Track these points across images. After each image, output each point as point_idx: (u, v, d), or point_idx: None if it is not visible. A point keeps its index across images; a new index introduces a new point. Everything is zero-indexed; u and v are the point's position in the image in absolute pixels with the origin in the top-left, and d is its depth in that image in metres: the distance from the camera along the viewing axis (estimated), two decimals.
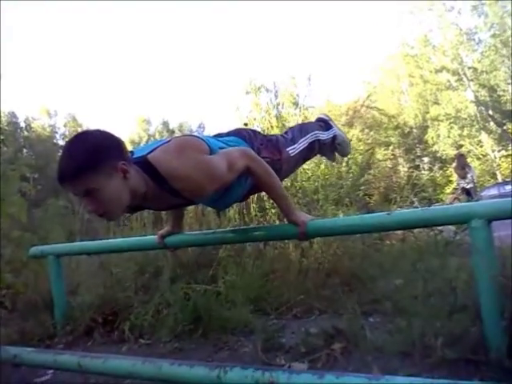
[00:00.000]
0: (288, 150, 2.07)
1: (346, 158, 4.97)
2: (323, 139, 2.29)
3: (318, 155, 2.57)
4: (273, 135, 2.23)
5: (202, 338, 2.51)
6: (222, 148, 1.73)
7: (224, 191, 1.76)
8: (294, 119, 5.39)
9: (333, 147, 2.42)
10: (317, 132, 2.26)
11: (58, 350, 2.43)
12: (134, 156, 1.58)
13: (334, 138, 2.37)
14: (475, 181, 8.78)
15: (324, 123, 2.39)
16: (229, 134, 2.01)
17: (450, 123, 21.94)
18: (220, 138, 1.89)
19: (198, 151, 1.59)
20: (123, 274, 3.30)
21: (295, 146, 2.12)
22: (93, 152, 1.41)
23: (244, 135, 1.98)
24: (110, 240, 2.82)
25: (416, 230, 3.05)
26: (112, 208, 1.49)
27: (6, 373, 2.26)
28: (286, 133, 2.23)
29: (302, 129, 2.27)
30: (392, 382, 1.13)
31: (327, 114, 2.52)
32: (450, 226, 3.13)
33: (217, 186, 1.63)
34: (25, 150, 27.57)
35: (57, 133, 35.02)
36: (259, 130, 4.79)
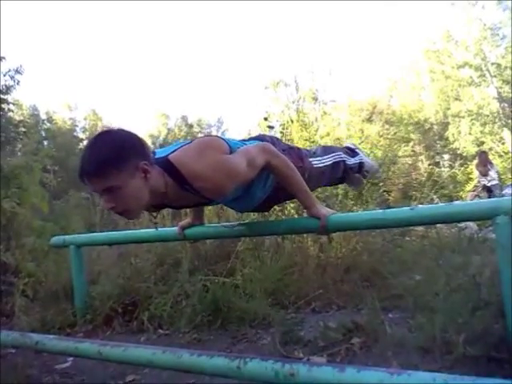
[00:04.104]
0: (310, 160, 2.06)
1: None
2: (349, 163, 2.27)
3: (345, 184, 2.58)
4: (295, 146, 2.22)
5: (220, 329, 2.53)
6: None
7: (245, 190, 1.76)
8: (313, 114, 5.37)
9: (361, 174, 2.41)
10: (341, 153, 2.25)
11: (79, 338, 2.46)
12: (156, 156, 1.59)
13: (362, 164, 2.36)
14: (497, 178, 8.62)
15: (350, 151, 2.39)
16: (251, 139, 2.01)
17: (472, 120, 21.58)
18: (243, 141, 1.89)
19: (218, 151, 1.59)
20: (143, 264, 3.33)
21: (318, 159, 2.11)
22: (116, 150, 1.42)
23: (267, 140, 1.97)
24: (130, 231, 2.84)
25: (438, 227, 3.02)
26: (131, 206, 1.50)
27: (28, 359, 2.30)
28: (308, 150, 2.23)
29: (326, 148, 2.28)
30: (413, 377, 1.11)
31: (354, 143, 2.52)
32: (471, 224, 3.09)
33: (237, 184, 1.63)
34: (45, 142, 27.85)
35: (77, 126, 35.26)
36: (278, 124, 4.80)
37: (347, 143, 2.53)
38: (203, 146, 1.62)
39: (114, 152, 1.42)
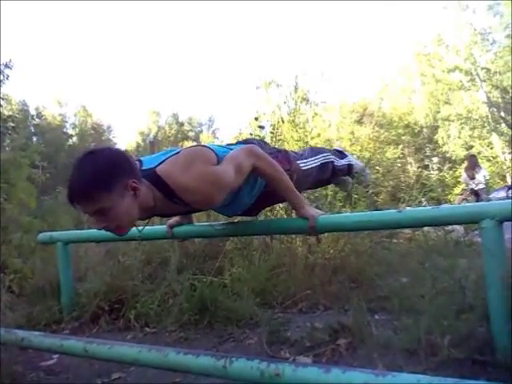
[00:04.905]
0: (298, 162, 2.07)
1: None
2: (338, 165, 2.30)
3: (333, 185, 2.58)
4: (282, 148, 2.22)
5: (207, 328, 2.53)
6: None
7: (234, 196, 1.76)
8: (304, 115, 5.38)
9: (351, 175, 2.43)
10: (329, 155, 2.27)
11: (65, 335, 2.45)
12: (143, 168, 1.59)
13: (351, 167, 2.37)
14: (484, 182, 8.70)
15: (339, 153, 2.41)
16: (238, 143, 2.02)
17: (461, 124, 21.76)
18: (229, 146, 1.89)
19: (205, 162, 1.59)
20: (130, 262, 3.31)
21: (306, 161, 2.12)
22: (103, 172, 1.42)
23: (254, 144, 1.97)
24: None
25: (425, 230, 3.03)
26: (122, 224, 1.52)
27: (12, 355, 2.28)
28: (296, 152, 2.24)
29: (313, 150, 2.29)
30: (398, 379, 1.12)
31: (342, 147, 2.53)
32: (458, 227, 3.11)
33: (226, 193, 1.63)
34: (34, 138, 27.67)
35: (67, 122, 35.08)
36: (269, 124, 4.80)
37: (336, 147, 2.54)
38: (190, 158, 1.61)
39: (101, 174, 1.42)
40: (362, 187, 3.95)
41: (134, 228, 1.66)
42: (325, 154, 2.24)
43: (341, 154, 2.40)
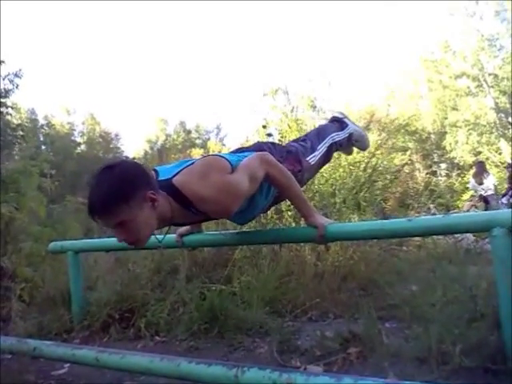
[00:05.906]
0: (308, 159, 2.08)
1: (363, 164, 4.96)
2: (340, 140, 2.29)
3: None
4: (292, 145, 2.19)
5: (217, 337, 2.52)
6: None
7: (248, 204, 1.78)
8: (311, 122, 5.38)
9: (350, 143, 2.42)
10: (333, 135, 2.26)
11: (76, 345, 2.46)
12: (159, 178, 1.61)
13: (351, 135, 2.36)
14: (493, 188, 8.67)
15: (339, 122, 2.39)
16: (249, 148, 2.03)
17: (469, 130, 21.65)
18: (241, 154, 1.90)
19: (220, 172, 1.61)
20: (140, 271, 3.33)
21: (315, 153, 2.12)
22: (122, 186, 1.45)
23: (264, 149, 1.98)
24: None
25: (435, 237, 3.02)
26: (141, 236, 1.54)
27: (24, 365, 2.30)
28: (303, 140, 2.21)
29: (319, 134, 2.27)
30: None
31: (341, 112, 2.50)
32: (469, 235, 3.11)
33: (242, 201, 1.66)
34: (43, 147, 27.84)
35: (75, 130, 35.21)
36: (277, 132, 4.81)
37: (335, 113, 2.50)
38: (206, 168, 1.63)
39: (120, 188, 1.44)
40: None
41: (152, 237, 1.68)
42: (330, 136, 2.23)
43: (340, 123, 2.38)
